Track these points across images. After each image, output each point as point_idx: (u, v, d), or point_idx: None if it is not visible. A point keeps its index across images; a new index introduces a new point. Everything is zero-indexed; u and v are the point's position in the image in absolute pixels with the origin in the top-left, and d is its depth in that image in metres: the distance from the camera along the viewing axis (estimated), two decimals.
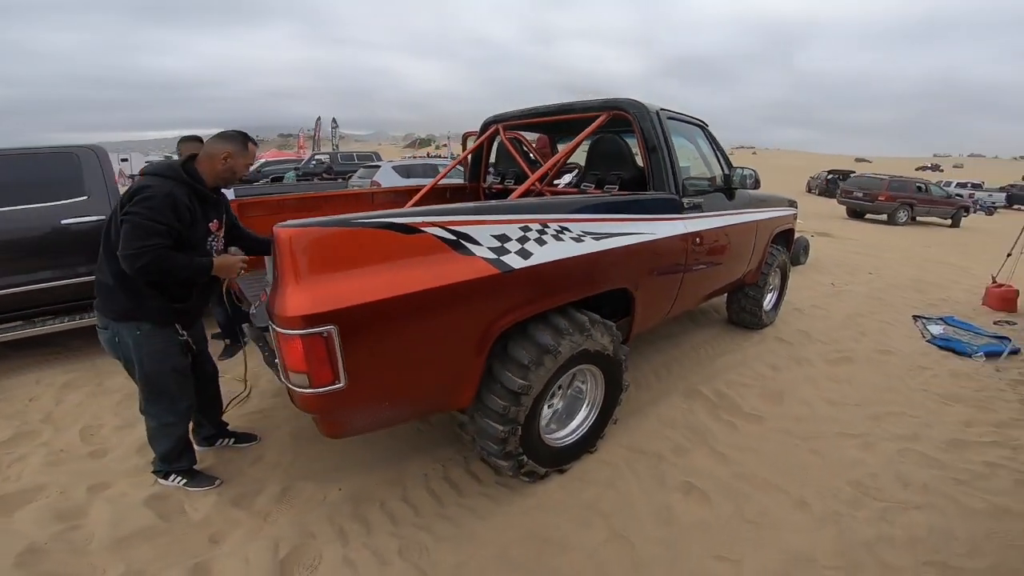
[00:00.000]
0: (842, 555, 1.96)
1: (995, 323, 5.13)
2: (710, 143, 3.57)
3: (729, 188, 3.45)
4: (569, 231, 2.08)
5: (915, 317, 5.26)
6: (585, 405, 2.46)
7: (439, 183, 3.83)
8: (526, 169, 3.46)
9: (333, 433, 1.67)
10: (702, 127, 3.53)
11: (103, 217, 3.45)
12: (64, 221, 3.45)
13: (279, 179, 15.50)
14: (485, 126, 3.93)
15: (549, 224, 2.01)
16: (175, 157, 3.23)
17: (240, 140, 2.01)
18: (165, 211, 1.78)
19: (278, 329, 1.38)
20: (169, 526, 2.07)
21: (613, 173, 3.11)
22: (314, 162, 17.92)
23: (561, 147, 4.68)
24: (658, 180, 2.84)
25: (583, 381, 2.47)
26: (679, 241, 2.83)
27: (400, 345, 1.58)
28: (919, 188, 15.73)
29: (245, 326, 2.42)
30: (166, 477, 2.28)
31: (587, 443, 2.47)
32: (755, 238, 3.96)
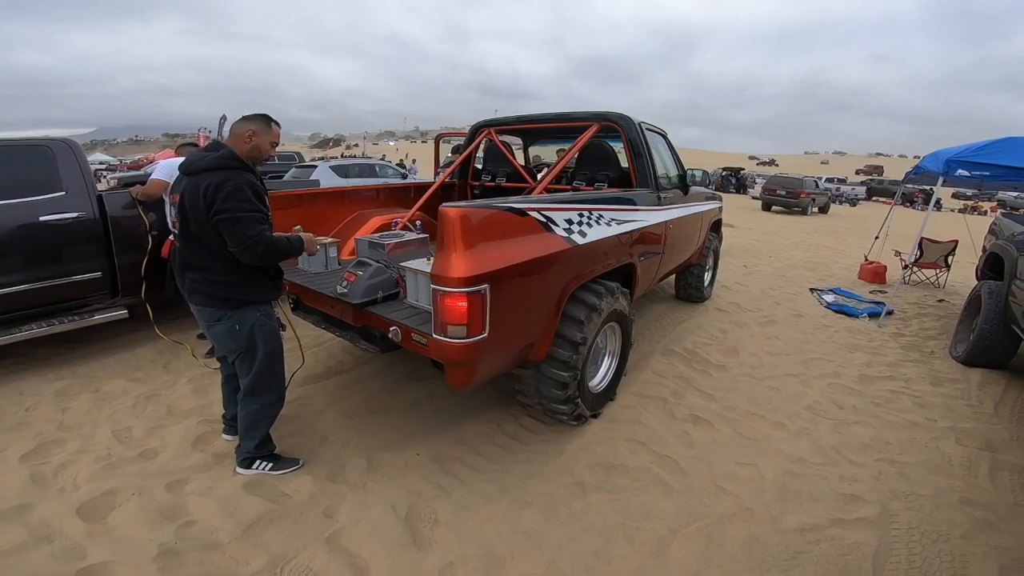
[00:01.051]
0: (821, 455, 2.71)
1: (871, 292, 6.49)
2: (669, 148, 4.33)
3: (684, 185, 4.23)
4: (603, 217, 2.67)
5: (811, 289, 6.49)
6: (607, 355, 3.06)
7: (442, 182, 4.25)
8: (520, 170, 4.01)
9: (465, 381, 2.06)
10: (663, 135, 4.28)
11: (82, 214, 3.40)
12: (43, 218, 3.26)
13: None
14: (475, 130, 4.41)
15: (592, 212, 2.59)
16: None
17: (263, 119, 2.07)
18: (252, 199, 1.91)
19: (445, 289, 1.80)
20: (282, 508, 2.15)
21: (602, 173, 3.76)
22: None
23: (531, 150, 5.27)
24: (642, 179, 3.52)
25: (603, 336, 3.06)
26: (659, 227, 3.53)
27: (515, 304, 2.07)
28: (815, 184, 19.83)
29: (310, 313, 2.72)
30: (250, 466, 2.33)
31: (610, 392, 3.06)
32: (701, 226, 4.82)
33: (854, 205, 27.04)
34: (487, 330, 1.91)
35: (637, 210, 3.21)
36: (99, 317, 3.56)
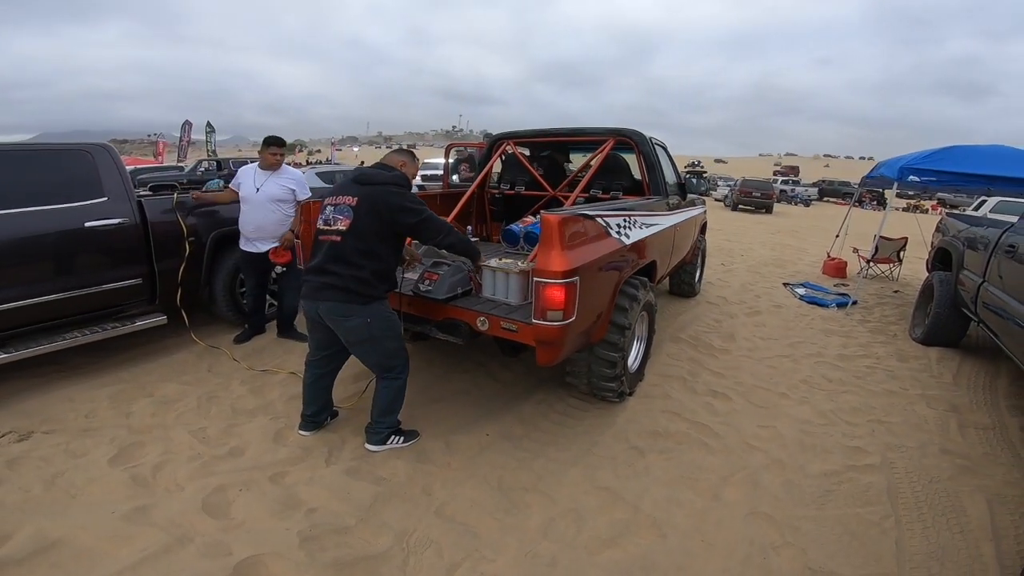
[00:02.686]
0: (823, 418, 3.23)
1: (835, 286, 7.23)
2: (669, 158, 4.83)
3: (684, 192, 4.75)
4: (638, 221, 3.11)
5: (785, 284, 7.17)
6: (637, 340, 3.50)
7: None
8: (540, 180, 4.41)
9: (551, 359, 2.42)
10: (664, 147, 4.78)
11: (125, 220, 3.45)
12: (88, 224, 3.28)
13: (162, 188, 14.23)
14: (495, 141, 4.78)
15: (630, 216, 3.02)
16: None
17: (412, 154, 2.68)
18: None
19: (548, 280, 2.18)
20: (389, 489, 2.33)
21: (617, 183, 4.21)
22: (202, 169, 16.63)
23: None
24: (654, 188, 3.99)
25: (635, 324, 3.49)
26: (670, 230, 4.00)
27: (591, 293, 2.47)
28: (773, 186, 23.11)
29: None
30: (384, 442, 2.60)
31: (640, 373, 3.50)
32: (694, 228, 5.36)
33: (807, 205, 28.56)
34: (575, 315, 2.30)
35: (657, 215, 3.67)
36: (140, 323, 3.59)
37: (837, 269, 7.93)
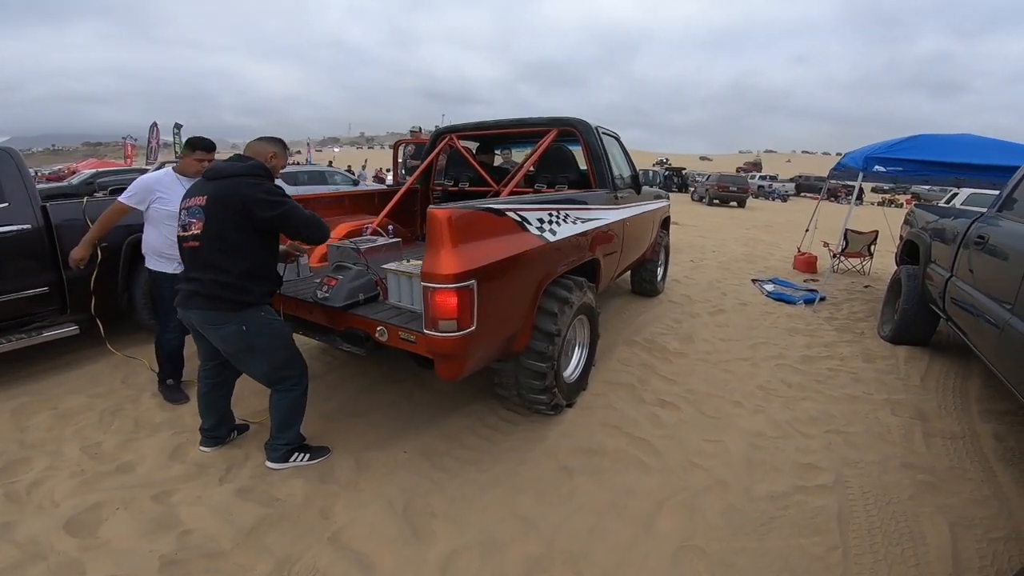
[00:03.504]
0: (777, 429, 2.95)
1: (805, 281, 7.03)
2: (622, 150, 4.55)
3: (637, 185, 4.46)
4: (569, 216, 2.81)
5: (753, 280, 6.95)
6: (578, 347, 3.20)
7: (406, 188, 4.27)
8: (484, 174, 4.10)
9: (455, 374, 2.13)
10: (616, 138, 4.50)
11: (27, 226, 3.26)
12: None
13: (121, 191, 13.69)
14: (436, 136, 4.47)
15: (559, 211, 2.71)
16: None
17: (281, 144, 2.37)
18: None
19: (436, 285, 1.86)
20: (280, 511, 2.13)
21: (562, 175, 3.91)
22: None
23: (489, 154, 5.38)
24: (600, 180, 3.70)
25: (572, 329, 3.20)
26: (618, 225, 3.72)
27: (499, 298, 2.16)
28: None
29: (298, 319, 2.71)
30: (286, 459, 2.39)
31: (583, 381, 3.21)
32: (653, 223, 5.09)
33: (785, 201, 28.86)
34: (475, 324, 1.99)
35: (598, 209, 3.38)
36: (48, 334, 3.37)
37: (807, 264, 7.74)
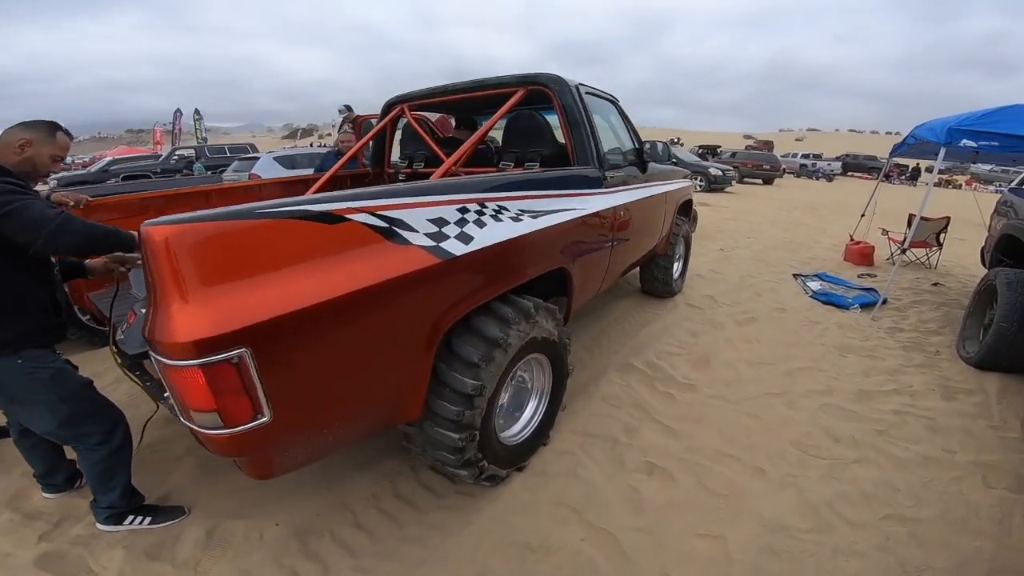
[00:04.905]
0: (811, 517, 2.01)
1: (859, 276, 5.84)
2: (622, 117, 3.55)
3: (642, 161, 3.47)
4: (507, 210, 1.88)
5: (795, 275, 5.81)
6: (534, 396, 2.31)
7: (339, 171, 3.40)
8: (437, 151, 3.18)
9: (263, 474, 1.35)
10: (613, 102, 3.50)
11: None
12: None
13: (134, 178, 13.50)
14: (388, 107, 3.58)
15: (487, 204, 1.79)
16: None
17: (45, 127, 1.70)
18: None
19: (165, 361, 1.03)
20: None
21: (533, 150, 2.95)
22: (176, 157, 15.79)
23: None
24: (581, 155, 2.74)
25: (526, 371, 2.31)
26: (606, 215, 2.76)
27: (334, 359, 1.29)
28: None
29: (114, 350, 1.93)
30: (119, 522, 1.91)
31: (539, 438, 2.32)
32: (665, 209, 4.07)
33: (830, 180, 27.07)
34: (267, 412, 1.13)
35: (572, 195, 2.45)
36: None
37: (862, 255, 6.49)
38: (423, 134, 3.34)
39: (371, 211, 1.37)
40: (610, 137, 3.46)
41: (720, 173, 16.04)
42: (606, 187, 2.82)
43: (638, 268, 4.52)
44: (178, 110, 24.27)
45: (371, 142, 3.78)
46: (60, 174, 21.03)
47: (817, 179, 27.36)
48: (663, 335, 3.84)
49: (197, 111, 22.70)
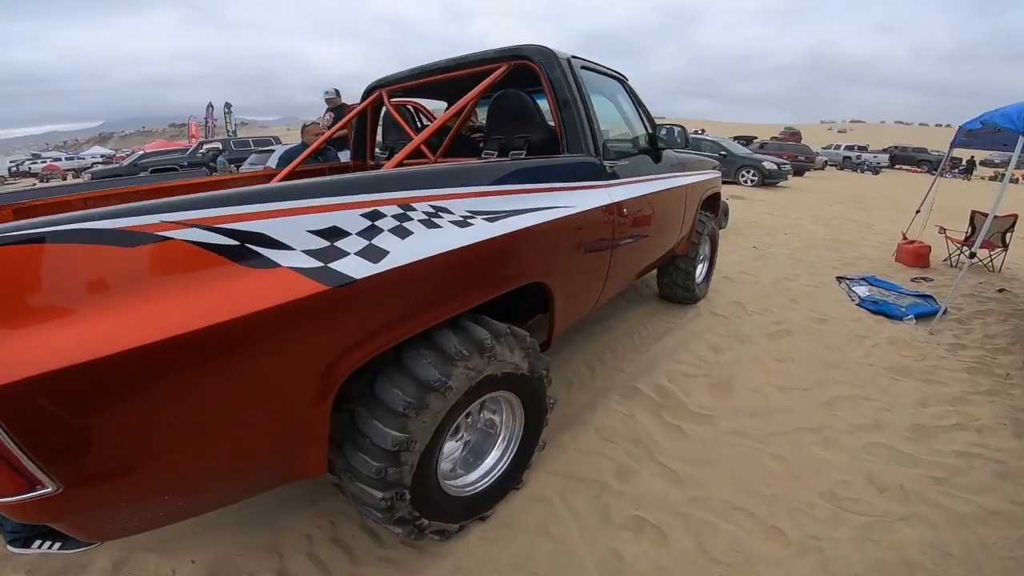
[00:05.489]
0: None
1: (913, 280, 5.14)
2: (631, 99, 3.06)
3: (655, 149, 2.97)
4: (449, 212, 1.45)
5: (839, 279, 5.17)
6: (500, 441, 1.89)
7: (299, 168, 3.03)
8: (414, 137, 2.77)
9: (89, 537, 1.08)
10: (621, 81, 3.01)
11: None
12: None
13: (161, 171, 13.67)
14: (368, 92, 3.20)
15: (414, 206, 1.36)
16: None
17: None
18: None
19: None
20: None
21: (519, 136, 2.50)
22: (202, 151, 15.94)
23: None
24: (573, 141, 2.28)
25: (494, 411, 1.89)
26: (604, 213, 2.29)
27: (151, 419, 0.91)
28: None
29: None
30: (27, 545, 1.76)
31: (511, 480, 1.91)
32: (685, 205, 3.54)
33: (876, 173, 25.76)
34: (50, 483, 0.81)
35: (557, 189, 2.00)
36: None
37: (917, 256, 5.75)
38: (400, 121, 2.95)
39: (207, 225, 0.96)
40: (616, 121, 2.98)
41: (775, 167, 14.67)
42: (606, 179, 2.36)
43: (656, 270, 4.02)
44: (210, 104, 24.76)
45: (353, 132, 3.42)
46: (97, 167, 21.78)
47: (862, 172, 26.09)
48: (679, 351, 3.34)
49: (227, 105, 23.02)
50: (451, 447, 1.79)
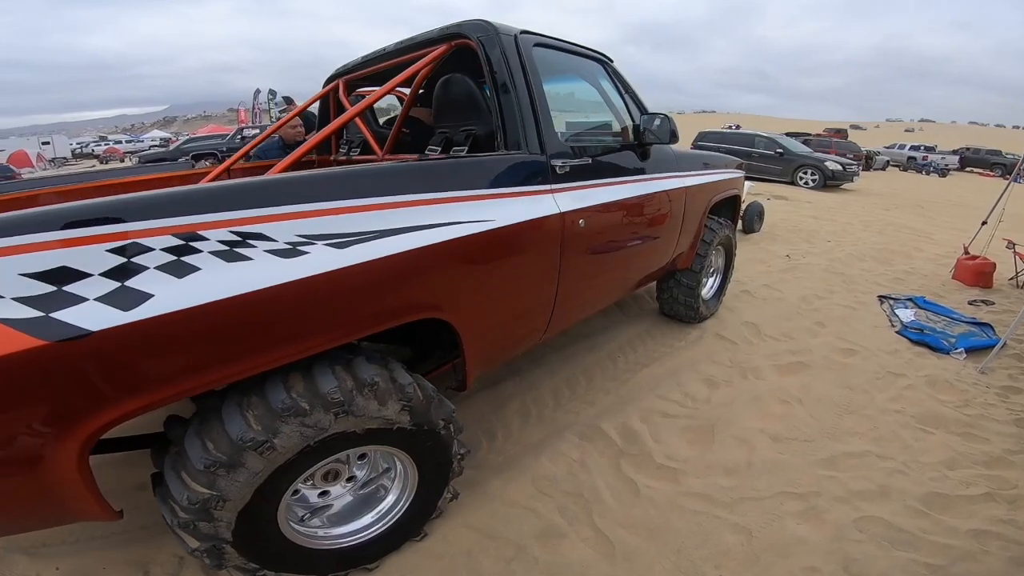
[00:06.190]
0: None
1: (970, 303, 4.43)
2: (616, 85, 2.62)
3: (640, 144, 2.53)
4: (266, 239, 1.11)
5: (880, 298, 4.51)
6: (391, 492, 1.56)
7: (235, 164, 2.76)
8: (365, 131, 2.45)
9: None
10: (602, 62, 2.58)
11: None
12: None
13: (201, 157, 14.05)
14: (328, 82, 2.92)
15: (204, 233, 1.03)
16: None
17: None
18: None
19: None
20: None
21: (463, 129, 2.14)
22: (240, 137, 16.29)
23: None
24: (512, 134, 1.90)
25: (385, 465, 1.56)
26: (546, 226, 1.89)
27: None
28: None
29: None
30: None
31: (405, 532, 1.59)
32: (684, 210, 3.07)
33: (943, 176, 23.97)
34: None
35: (467, 199, 1.63)
36: None
37: (978, 274, 4.97)
38: (352, 112, 2.63)
39: None
40: (590, 111, 2.56)
41: (839, 167, 13.15)
42: (556, 182, 1.96)
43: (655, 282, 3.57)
44: (257, 90, 25.47)
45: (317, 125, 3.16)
46: (152, 150, 22.77)
47: (927, 174, 24.26)
48: (665, 383, 2.89)
49: (272, 91, 23.57)
50: (309, 496, 1.48)
